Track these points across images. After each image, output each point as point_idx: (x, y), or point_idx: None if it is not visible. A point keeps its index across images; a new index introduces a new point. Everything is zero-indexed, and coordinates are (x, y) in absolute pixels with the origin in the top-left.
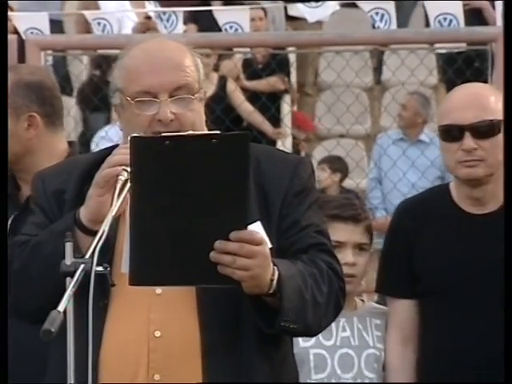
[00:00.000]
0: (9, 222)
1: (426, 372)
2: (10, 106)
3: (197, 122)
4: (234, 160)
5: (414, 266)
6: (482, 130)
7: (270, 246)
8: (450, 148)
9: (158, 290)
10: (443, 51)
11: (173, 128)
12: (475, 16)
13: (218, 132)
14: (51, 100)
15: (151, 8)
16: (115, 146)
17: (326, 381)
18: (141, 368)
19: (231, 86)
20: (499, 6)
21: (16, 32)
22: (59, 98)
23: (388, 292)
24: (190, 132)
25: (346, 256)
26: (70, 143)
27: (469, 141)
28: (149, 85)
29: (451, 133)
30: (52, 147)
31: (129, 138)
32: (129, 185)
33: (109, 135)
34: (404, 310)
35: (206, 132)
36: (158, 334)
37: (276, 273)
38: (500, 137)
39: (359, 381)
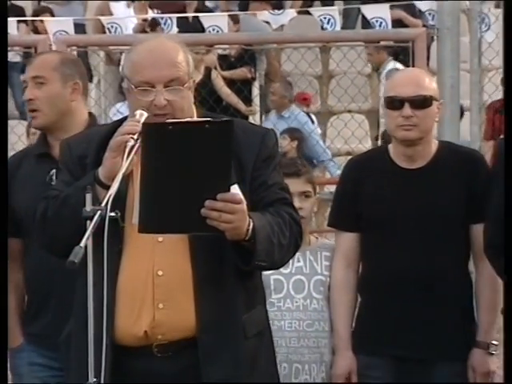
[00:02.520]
0: (50, 174)
1: (365, 287)
2: (58, 73)
3: (185, 107)
4: (221, 141)
5: (358, 207)
6: (418, 103)
7: (245, 203)
8: (392, 114)
9: (160, 238)
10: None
11: (166, 111)
12: (398, 22)
13: (209, 119)
14: (85, 76)
15: (151, 14)
16: (124, 119)
17: (282, 300)
18: (148, 299)
19: (214, 74)
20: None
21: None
22: (86, 73)
23: (337, 226)
24: (188, 119)
25: (294, 203)
26: (90, 114)
27: (407, 110)
28: (149, 77)
29: (394, 103)
30: (82, 113)
31: (141, 124)
32: (135, 149)
33: (120, 110)
34: (349, 240)
35: (201, 119)
36: (160, 273)
37: (251, 224)
38: (431, 109)
39: (308, 301)
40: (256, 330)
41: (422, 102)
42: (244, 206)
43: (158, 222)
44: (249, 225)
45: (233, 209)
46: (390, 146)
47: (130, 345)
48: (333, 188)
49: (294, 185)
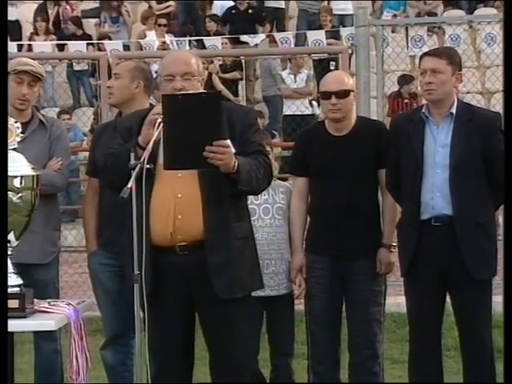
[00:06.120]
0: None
1: (312, 211)
2: (129, 73)
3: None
4: (213, 105)
5: (306, 160)
6: (340, 94)
7: (234, 150)
8: (325, 102)
9: (179, 174)
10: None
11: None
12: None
13: (205, 91)
14: (148, 77)
15: (169, 38)
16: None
17: (256, 221)
18: (171, 212)
19: (213, 76)
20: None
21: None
22: (151, 78)
23: (293, 173)
24: (191, 91)
25: None
26: (150, 104)
27: (333, 99)
28: (170, 71)
29: (325, 95)
30: (143, 102)
31: (161, 96)
32: (162, 124)
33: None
34: (301, 182)
35: (199, 91)
36: (179, 195)
37: (236, 162)
38: (349, 98)
39: (272, 220)
40: (243, 235)
41: (343, 94)
42: (231, 149)
43: (175, 161)
44: (235, 162)
45: (223, 151)
46: (326, 122)
47: (162, 244)
48: None
49: None
